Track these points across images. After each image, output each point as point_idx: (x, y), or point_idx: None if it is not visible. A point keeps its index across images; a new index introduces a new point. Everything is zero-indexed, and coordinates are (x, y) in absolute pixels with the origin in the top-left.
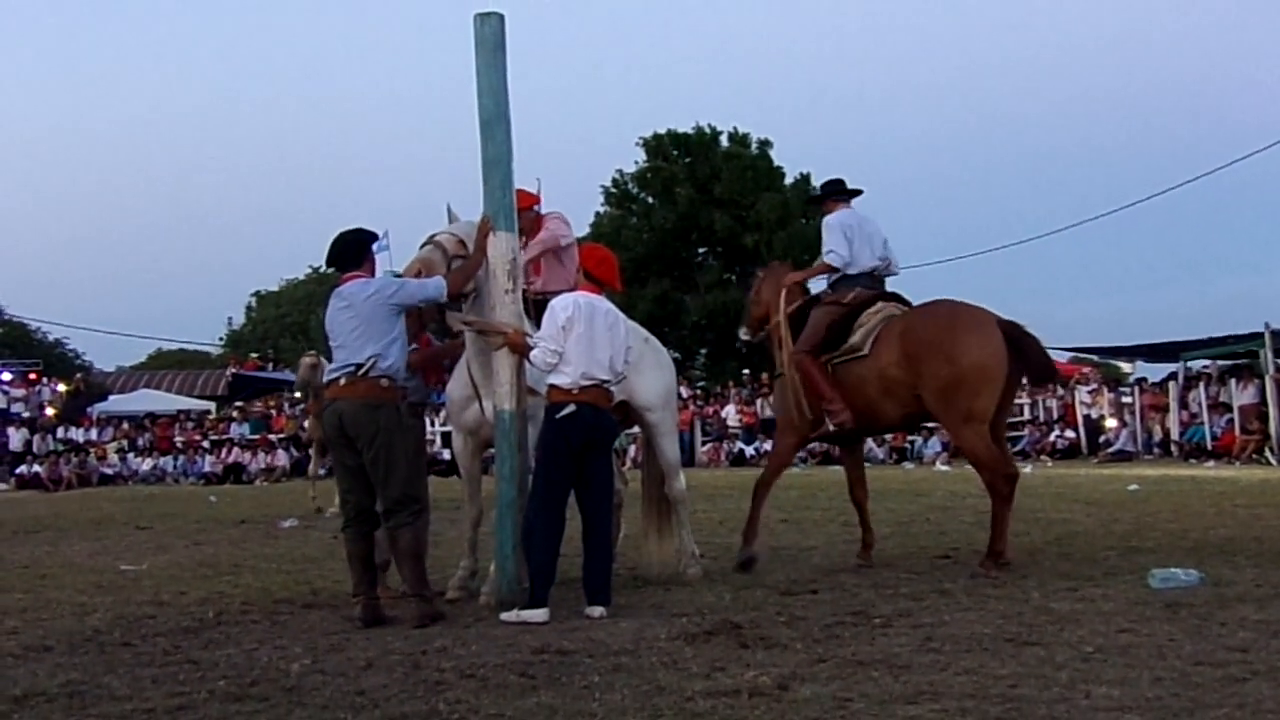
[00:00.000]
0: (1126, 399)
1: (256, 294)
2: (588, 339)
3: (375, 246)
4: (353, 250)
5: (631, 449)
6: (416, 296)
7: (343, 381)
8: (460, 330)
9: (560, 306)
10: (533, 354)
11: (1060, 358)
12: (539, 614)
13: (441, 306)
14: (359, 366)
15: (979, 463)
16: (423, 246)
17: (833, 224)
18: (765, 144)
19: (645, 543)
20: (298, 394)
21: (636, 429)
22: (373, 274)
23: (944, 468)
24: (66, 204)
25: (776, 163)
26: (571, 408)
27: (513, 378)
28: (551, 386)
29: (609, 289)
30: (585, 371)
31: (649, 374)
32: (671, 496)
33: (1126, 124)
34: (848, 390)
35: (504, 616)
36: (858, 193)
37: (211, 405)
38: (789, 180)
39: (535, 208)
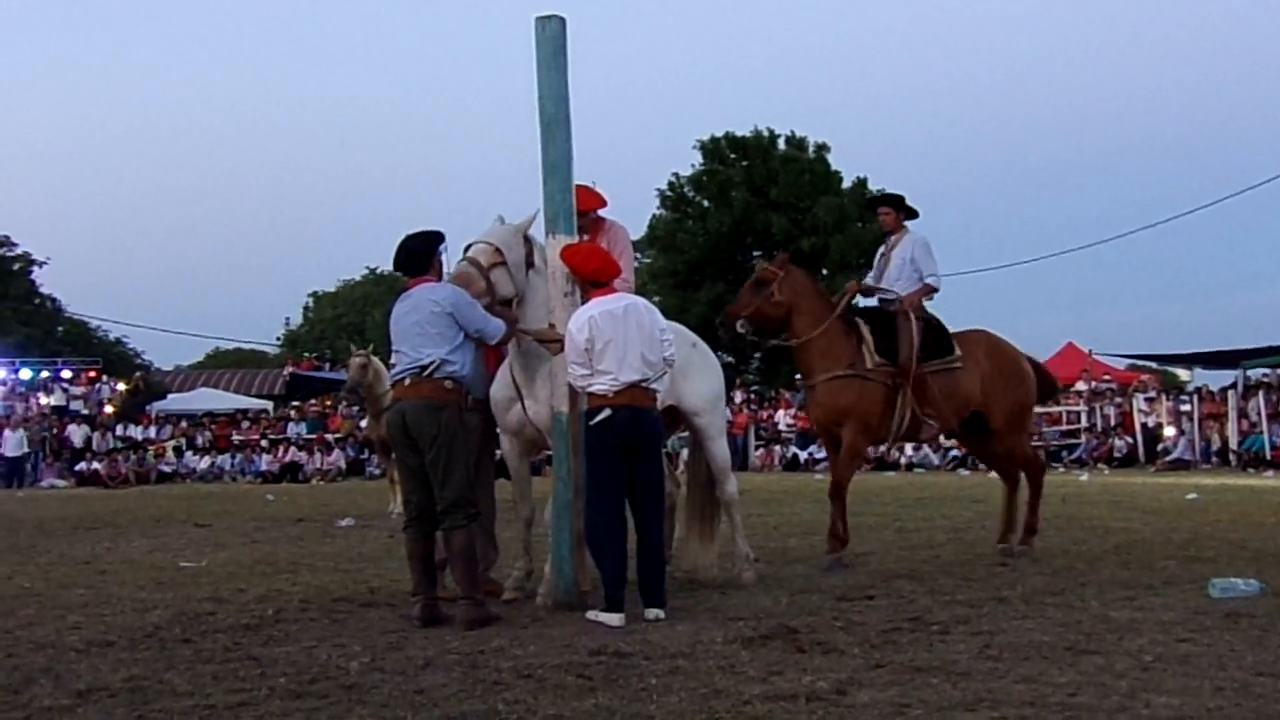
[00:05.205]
0: (1185, 407)
1: (314, 294)
2: (613, 350)
3: (437, 251)
4: (420, 255)
5: (684, 452)
6: (476, 325)
7: (407, 382)
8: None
9: (576, 329)
10: (568, 377)
11: (1117, 364)
12: (615, 618)
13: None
14: (424, 368)
15: None
16: (460, 260)
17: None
18: (823, 148)
19: (687, 546)
20: (347, 396)
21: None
22: (440, 276)
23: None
24: (127, 204)
25: (834, 166)
26: (606, 412)
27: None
28: (589, 393)
29: (614, 277)
30: (618, 377)
31: (696, 377)
32: (723, 500)
33: (1189, 129)
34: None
35: (588, 615)
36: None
37: (269, 404)
38: (846, 184)
39: (597, 211)
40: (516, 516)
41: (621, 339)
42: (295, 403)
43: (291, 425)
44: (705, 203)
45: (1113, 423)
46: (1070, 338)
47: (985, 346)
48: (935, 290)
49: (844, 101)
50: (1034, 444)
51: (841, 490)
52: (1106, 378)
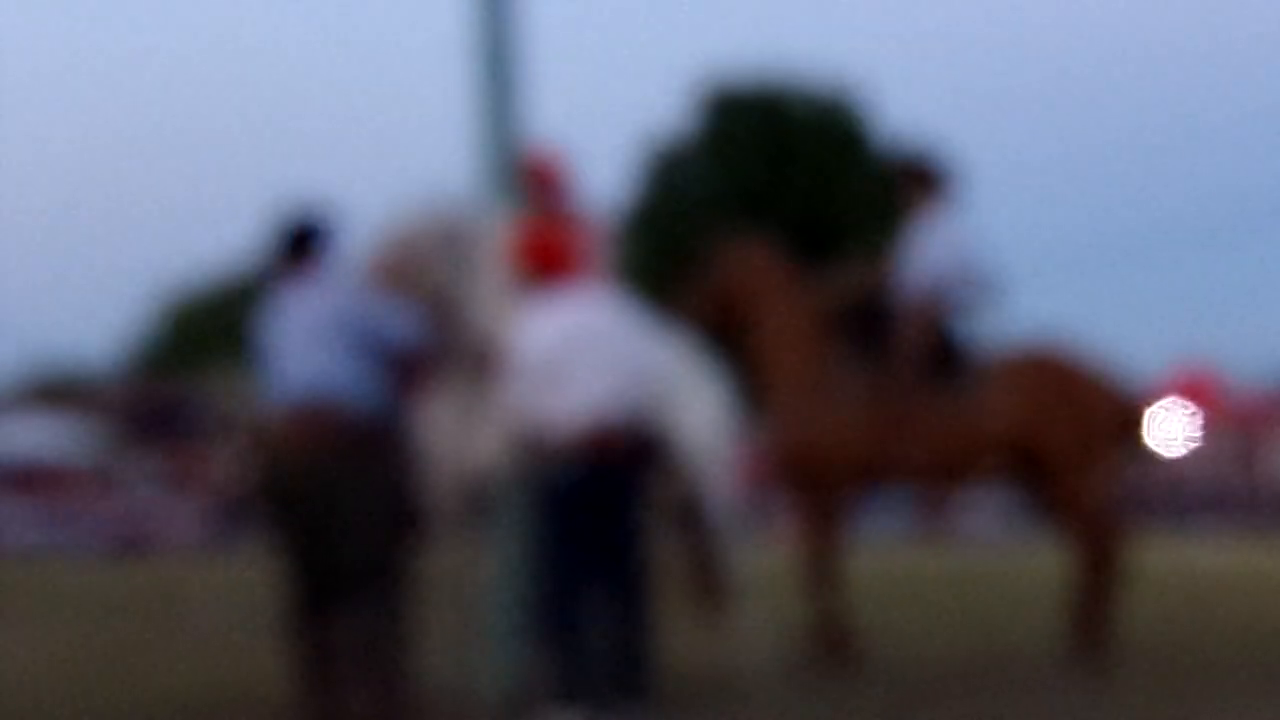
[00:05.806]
0: None
1: (170, 297)
2: (578, 369)
3: (330, 233)
4: (305, 238)
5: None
6: (386, 333)
7: (288, 413)
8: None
9: (527, 340)
10: (519, 412)
11: (1254, 391)
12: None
13: None
14: (312, 392)
15: None
16: (372, 246)
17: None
18: (859, 101)
19: (681, 637)
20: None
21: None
22: (321, 269)
23: None
24: None
25: (874, 125)
26: (569, 454)
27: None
28: (545, 429)
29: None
30: (584, 407)
31: (693, 405)
32: (730, 574)
33: None
34: None
35: None
36: None
37: (107, 449)
38: (890, 149)
39: (557, 182)
40: (447, 594)
41: (589, 353)
42: (144, 447)
43: (139, 479)
44: (702, 173)
45: (1249, 471)
46: (1191, 354)
47: (1034, 367)
48: (972, 295)
49: (890, 38)
50: (1148, 509)
51: (825, 563)
52: (1239, 411)
